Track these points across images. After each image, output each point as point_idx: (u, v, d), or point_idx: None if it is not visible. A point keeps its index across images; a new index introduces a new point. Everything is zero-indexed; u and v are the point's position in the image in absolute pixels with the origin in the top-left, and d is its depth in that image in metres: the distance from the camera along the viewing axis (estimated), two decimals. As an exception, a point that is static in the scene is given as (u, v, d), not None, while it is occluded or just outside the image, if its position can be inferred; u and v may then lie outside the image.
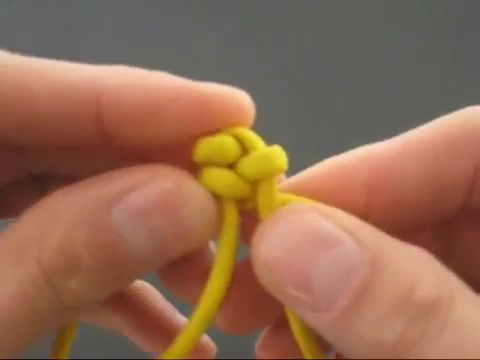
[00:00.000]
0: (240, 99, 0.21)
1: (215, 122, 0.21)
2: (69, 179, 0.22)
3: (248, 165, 0.21)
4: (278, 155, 0.21)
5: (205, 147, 0.21)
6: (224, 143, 0.21)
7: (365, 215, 0.21)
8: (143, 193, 0.20)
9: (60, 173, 0.25)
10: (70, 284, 0.20)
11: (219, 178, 0.21)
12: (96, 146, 0.22)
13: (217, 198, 0.21)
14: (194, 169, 0.22)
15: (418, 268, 0.19)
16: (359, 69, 0.65)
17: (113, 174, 0.20)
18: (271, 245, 0.20)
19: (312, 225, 0.20)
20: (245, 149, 0.22)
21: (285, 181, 0.23)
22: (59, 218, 0.20)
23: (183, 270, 0.24)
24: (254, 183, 0.22)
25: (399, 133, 0.23)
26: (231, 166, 0.22)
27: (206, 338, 0.27)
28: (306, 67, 0.66)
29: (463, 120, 0.22)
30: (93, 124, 0.21)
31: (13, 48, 0.22)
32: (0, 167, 0.24)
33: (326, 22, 0.68)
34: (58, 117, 0.20)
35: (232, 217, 0.22)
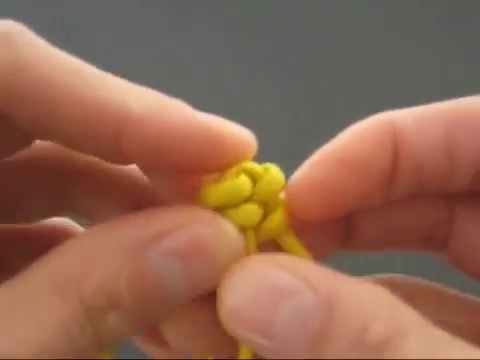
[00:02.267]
0: (247, 139, 0.23)
1: (223, 159, 0.23)
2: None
3: (261, 192, 0.23)
4: (280, 174, 0.23)
5: (220, 192, 0.23)
6: (242, 184, 0.23)
7: (390, 176, 0.23)
8: (180, 236, 0.21)
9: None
10: (110, 322, 0.20)
11: (244, 214, 0.23)
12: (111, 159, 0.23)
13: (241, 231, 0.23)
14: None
15: (370, 308, 0.20)
16: (359, 68, 0.65)
17: (150, 214, 0.22)
18: (234, 296, 0.21)
19: (270, 277, 0.21)
20: (254, 179, 0.23)
21: (319, 151, 0.24)
22: (100, 257, 0.20)
23: None
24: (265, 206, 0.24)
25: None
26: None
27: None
28: (306, 66, 0.66)
29: (477, 102, 0.23)
30: (112, 145, 0.22)
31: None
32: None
33: (326, 21, 0.68)
34: (80, 133, 0.21)
35: (254, 245, 0.23)
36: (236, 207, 0.23)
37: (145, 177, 0.26)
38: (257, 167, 0.23)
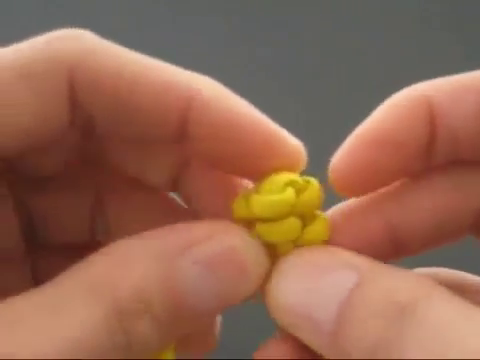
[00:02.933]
0: (300, 150, 0.23)
1: (276, 162, 0.23)
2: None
3: (303, 205, 0.23)
4: (319, 187, 0.23)
5: (268, 205, 0.22)
6: (289, 197, 0.22)
7: (428, 148, 0.23)
8: (210, 246, 0.22)
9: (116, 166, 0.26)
10: (140, 328, 0.20)
11: (288, 228, 0.23)
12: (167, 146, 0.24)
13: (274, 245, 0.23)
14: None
15: (400, 278, 0.21)
16: (359, 68, 0.65)
17: (182, 226, 0.22)
18: (277, 281, 0.22)
19: (309, 260, 0.22)
20: (298, 190, 0.23)
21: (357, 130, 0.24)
22: (133, 263, 0.21)
23: None
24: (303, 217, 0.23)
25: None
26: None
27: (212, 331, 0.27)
28: (306, 66, 0.66)
29: None
30: (178, 125, 0.22)
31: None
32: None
33: (326, 21, 0.68)
34: (149, 113, 0.22)
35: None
36: (277, 221, 0.23)
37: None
38: (300, 180, 0.23)
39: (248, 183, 0.25)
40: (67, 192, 0.27)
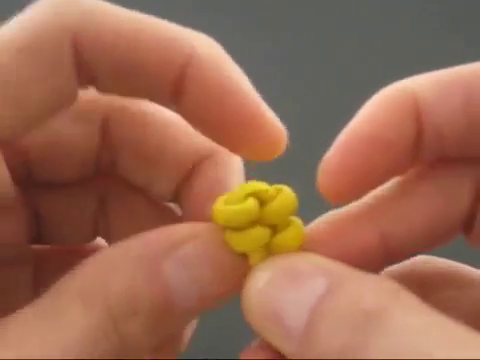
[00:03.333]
0: (281, 129, 0.24)
1: (259, 138, 0.24)
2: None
3: (270, 215, 0.23)
4: (292, 196, 0.23)
5: (229, 215, 0.23)
6: (249, 208, 0.23)
7: (415, 144, 0.23)
8: (191, 247, 0.23)
9: (125, 175, 0.27)
10: (131, 328, 0.22)
11: (250, 237, 0.23)
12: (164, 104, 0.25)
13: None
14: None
15: (366, 286, 0.21)
16: (359, 67, 0.65)
17: (164, 230, 0.23)
18: (251, 288, 0.22)
19: (282, 267, 0.22)
20: (262, 201, 0.23)
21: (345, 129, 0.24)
22: (121, 267, 0.22)
23: None
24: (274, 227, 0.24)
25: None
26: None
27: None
28: (306, 66, 0.66)
29: None
30: (174, 81, 0.23)
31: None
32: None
33: (326, 20, 0.68)
34: (147, 69, 0.23)
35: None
36: (243, 230, 0.23)
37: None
38: (267, 189, 0.23)
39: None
40: (74, 197, 0.28)
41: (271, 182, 0.25)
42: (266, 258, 0.23)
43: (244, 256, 0.23)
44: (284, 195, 0.23)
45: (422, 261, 0.26)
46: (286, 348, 0.21)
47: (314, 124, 0.61)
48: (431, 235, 0.24)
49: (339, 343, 0.20)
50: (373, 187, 0.24)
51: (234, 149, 0.25)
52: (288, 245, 0.23)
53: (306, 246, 0.24)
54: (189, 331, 0.28)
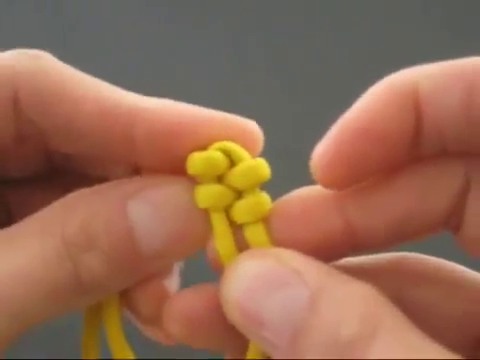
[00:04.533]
0: (254, 131, 0.24)
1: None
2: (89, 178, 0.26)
3: (235, 176, 0.23)
4: (262, 166, 0.24)
5: (196, 161, 0.23)
6: (213, 157, 0.23)
7: (414, 138, 0.22)
8: (159, 191, 0.23)
9: (80, 168, 0.28)
10: (87, 259, 0.22)
11: (208, 192, 0.23)
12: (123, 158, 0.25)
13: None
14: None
15: (348, 307, 0.20)
16: (359, 68, 0.65)
17: (133, 178, 0.24)
18: (232, 288, 0.22)
19: (265, 269, 0.22)
20: (233, 162, 0.24)
21: (339, 121, 0.23)
22: (83, 205, 0.23)
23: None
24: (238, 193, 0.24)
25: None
26: (220, 178, 0.24)
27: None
28: (306, 65, 0.66)
29: None
30: (125, 142, 0.23)
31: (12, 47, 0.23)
32: (27, 158, 0.27)
33: (326, 21, 0.68)
34: (97, 128, 0.23)
35: (222, 227, 0.24)
36: (207, 184, 0.23)
37: None
38: (239, 151, 0.23)
39: None
40: (40, 189, 0.28)
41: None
42: (225, 226, 0.23)
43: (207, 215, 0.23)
44: (254, 162, 0.23)
45: (406, 257, 0.26)
46: (267, 349, 0.22)
47: (312, 124, 0.61)
48: (402, 230, 0.24)
49: None
50: (368, 177, 0.23)
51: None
52: (248, 213, 0.23)
53: (271, 220, 0.24)
54: (174, 282, 0.27)
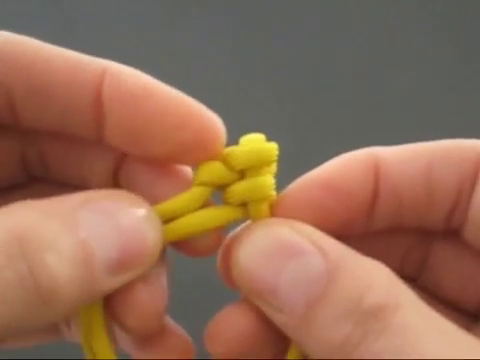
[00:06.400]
0: (216, 121, 0.24)
1: (189, 138, 0.23)
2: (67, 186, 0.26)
3: (236, 155, 0.24)
4: (265, 149, 0.24)
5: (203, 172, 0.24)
6: (217, 169, 0.24)
7: (370, 204, 0.24)
8: (108, 201, 0.22)
9: (58, 177, 0.27)
10: (42, 258, 0.21)
11: (208, 168, 0.24)
12: (91, 143, 0.25)
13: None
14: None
15: (371, 278, 0.21)
16: (359, 68, 0.65)
17: (83, 191, 0.23)
18: (245, 254, 0.22)
19: (281, 236, 0.22)
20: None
21: (307, 174, 0.25)
22: (36, 206, 0.22)
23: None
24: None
25: (398, 134, 0.24)
26: (224, 159, 0.24)
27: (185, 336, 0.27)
28: (306, 66, 0.66)
29: (458, 142, 0.24)
30: (93, 105, 0.23)
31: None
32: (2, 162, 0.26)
33: (326, 21, 0.68)
34: (66, 91, 0.23)
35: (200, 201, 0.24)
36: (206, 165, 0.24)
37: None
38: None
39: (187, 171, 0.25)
40: (17, 200, 0.26)
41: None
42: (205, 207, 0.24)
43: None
44: (259, 144, 0.23)
45: None
46: (278, 319, 0.22)
47: (311, 127, 0.61)
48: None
49: (341, 336, 0.20)
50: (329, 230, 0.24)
51: (172, 157, 0.24)
52: (248, 193, 0.23)
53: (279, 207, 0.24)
54: (161, 293, 0.26)
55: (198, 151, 0.24)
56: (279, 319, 0.22)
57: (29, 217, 0.21)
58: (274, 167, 0.24)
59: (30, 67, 0.23)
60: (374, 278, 0.21)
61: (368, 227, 0.25)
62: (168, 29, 0.67)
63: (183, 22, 0.67)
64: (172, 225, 0.24)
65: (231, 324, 0.24)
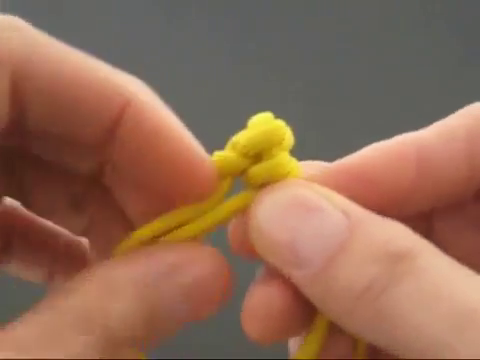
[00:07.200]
0: (211, 172, 0.24)
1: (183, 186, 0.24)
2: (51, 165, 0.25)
3: (246, 143, 0.24)
4: (276, 129, 0.24)
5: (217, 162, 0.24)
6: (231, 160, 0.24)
7: (412, 192, 0.24)
8: (190, 273, 0.23)
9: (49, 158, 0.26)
10: (126, 353, 0.22)
11: (222, 158, 0.24)
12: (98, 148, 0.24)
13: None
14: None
15: (393, 228, 0.22)
16: (359, 67, 0.65)
17: (161, 251, 0.23)
18: (264, 211, 0.22)
19: (300, 193, 0.22)
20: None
21: (337, 162, 0.24)
22: (120, 291, 0.22)
23: None
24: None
25: (401, 133, 0.24)
26: (234, 145, 0.24)
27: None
28: (306, 66, 0.66)
29: None
30: (107, 126, 0.23)
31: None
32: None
33: (326, 21, 0.68)
34: (84, 112, 0.22)
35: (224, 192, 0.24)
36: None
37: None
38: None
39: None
40: None
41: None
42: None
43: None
44: (266, 125, 0.24)
45: None
46: (297, 275, 0.22)
47: (314, 126, 0.61)
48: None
49: (366, 280, 0.20)
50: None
51: (165, 191, 0.24)
52: (262, 177, 0.23)
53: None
54: None
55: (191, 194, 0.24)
56: (298, 276, 0.22)
57: (120, 306, 0.21)
58: (288, 142, 0.24)
59: (54, 85, 0.22)
60: (397, 229, 0.21)
61: (400, 212, 0.24)
62: (168, 29, 0.67)
63: (184, 22, 0.67)
64: (203, 220, 0.24)
65: (265, 301, 0.23)
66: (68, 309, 0.21)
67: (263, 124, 0.24)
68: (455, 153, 0.23)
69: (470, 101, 0.24)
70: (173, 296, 0.22)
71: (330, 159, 0.24)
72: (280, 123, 0.24)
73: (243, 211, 0.24)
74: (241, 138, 0.24)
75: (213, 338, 0.49)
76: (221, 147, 0.25)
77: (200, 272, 0.23)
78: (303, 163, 0.25)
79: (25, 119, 0.23)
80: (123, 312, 0.21)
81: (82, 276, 0.22)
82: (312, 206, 0.22)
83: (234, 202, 0.24)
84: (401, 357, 0.20)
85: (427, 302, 0.20)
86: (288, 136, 0.24)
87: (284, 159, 0.24)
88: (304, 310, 0.23)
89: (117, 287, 0.22)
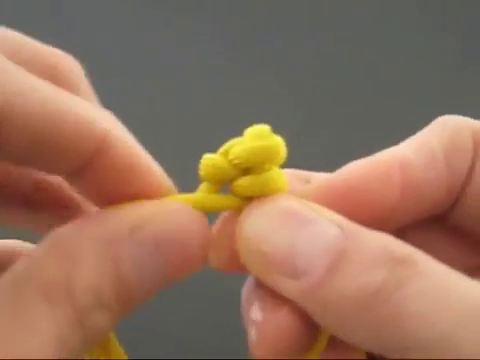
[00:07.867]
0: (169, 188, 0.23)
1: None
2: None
3: (239, 155, 0.23)
4: (271, 147, 0.23)
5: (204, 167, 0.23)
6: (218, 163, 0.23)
7: (394, 211, 0.24)
8: (155, 226, 0.22)
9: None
10: (96, 320, 0.21)
11: (209, 162, 0.23)
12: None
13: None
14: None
15: (386, 239, 0.22)
16: (359, 67, 0.65)
17: (122, 208, 0.22)
18: (255, 223, 0.22)
19: (293, 207, 0.22)
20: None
21: (321, 175, 0.25)
22: (81, 256, 0.21)
23: None
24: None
25: (400, 134, 0.24)
26: (225, 154, 0.24)
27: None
28: (306, 66, 0.66)
29: (454, 125, 0.25)
30: (83, 161, 0.22)
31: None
32: None
33: (326, 21, 0.68)
34: (60, 149, 0.22)
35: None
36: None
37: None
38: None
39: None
40: None
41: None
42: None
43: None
44: (262, 142, 0.23)
45: None
46: (293, 288, 0.21)
47: (315, 126, 0.61)
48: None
49: (374, 284, 0.20)
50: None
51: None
52: (252, 190, 0.23)
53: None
54: None
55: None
56: (294, 288, 0.21)
57: (83, 273, 0.21)
58: (281, 156, 0.24)
59: (35, 128, 0.21)
60: (389, 238, 0.21)
61: (385, 226, 0.24)
62: (168, 29, 0.67)
63: (184, 22, 0.68)
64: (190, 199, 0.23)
65: (278, 334, 0.23)
66: (30, 281, 0.21)
67: (260, 139, 0.23)
68: (437, 173, 0.24)
69: (470, 101, 0.25)
70: (141, 251, 0.21)
71: (330, 160, 0.24)
72: (277, 141, 0.23)
73: (228, 219, 0.24)
74: (235, 149, 0.23)
75: (213, 338, 0.49)
76: (221, 147, 0.24)
77: (170, 224, 0.22)
78: (286, 171, 0.24)
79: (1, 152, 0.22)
80: (87, 278, 0.21)
81: (40, 247, 0.21)
82: (306, 218, 0.22)
83: (226, 200, 0.24)
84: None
85: (435, 301, 0.20)
86: (282, 152, 0.23)
87: (276, 175, 0.23)
88: (311, 328, 0.23)
89: (77, 252, 0.21)
